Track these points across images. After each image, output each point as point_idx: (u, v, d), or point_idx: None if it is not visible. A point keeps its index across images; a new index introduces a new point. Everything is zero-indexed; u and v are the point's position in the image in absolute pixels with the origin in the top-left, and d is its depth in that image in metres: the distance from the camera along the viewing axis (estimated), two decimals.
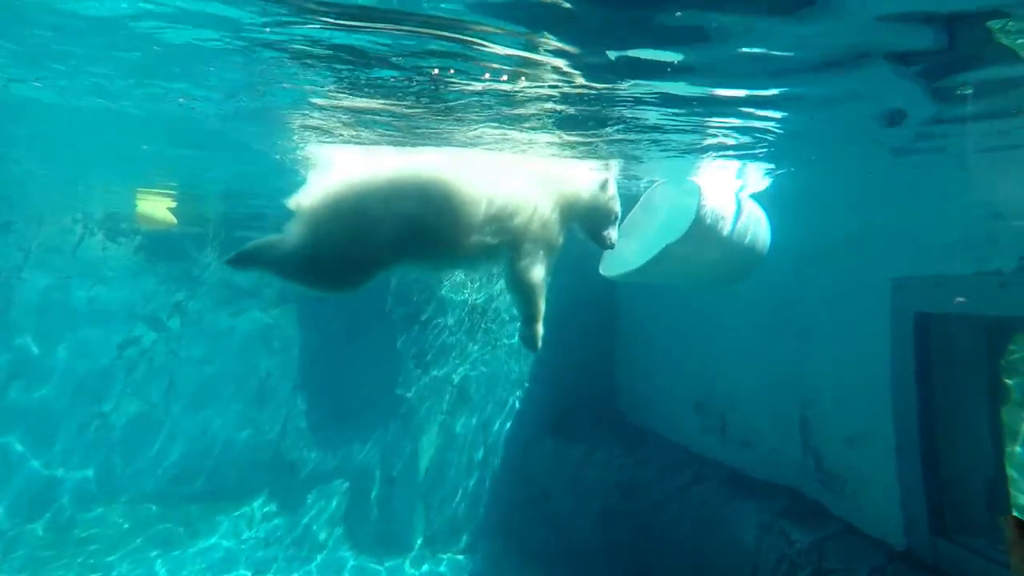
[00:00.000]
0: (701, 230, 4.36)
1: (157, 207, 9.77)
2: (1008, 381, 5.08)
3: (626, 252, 4.79)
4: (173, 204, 9.75)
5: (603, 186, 3.73)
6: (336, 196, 3.18)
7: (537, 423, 9.53)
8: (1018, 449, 5.04)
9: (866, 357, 5.48)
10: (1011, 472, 4.84)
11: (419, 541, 9.27)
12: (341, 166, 3.45)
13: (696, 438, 7.99)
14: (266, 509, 10.00)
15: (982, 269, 4.45)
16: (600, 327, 9.95)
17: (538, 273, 3.50)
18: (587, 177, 3.77)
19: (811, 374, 6.30)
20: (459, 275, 9.98)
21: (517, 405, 9.79)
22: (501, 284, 10.17)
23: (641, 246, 4.84)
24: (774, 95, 3.39)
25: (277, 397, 10.59)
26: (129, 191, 8.97)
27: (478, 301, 10.03)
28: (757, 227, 4.85)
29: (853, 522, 5.65)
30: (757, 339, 7.04)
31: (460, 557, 9.23)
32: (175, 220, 10.13)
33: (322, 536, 9.61)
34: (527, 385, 9.92)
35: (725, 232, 4.54)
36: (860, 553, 5.32)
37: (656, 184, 5.20)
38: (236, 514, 9.88)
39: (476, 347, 9.87)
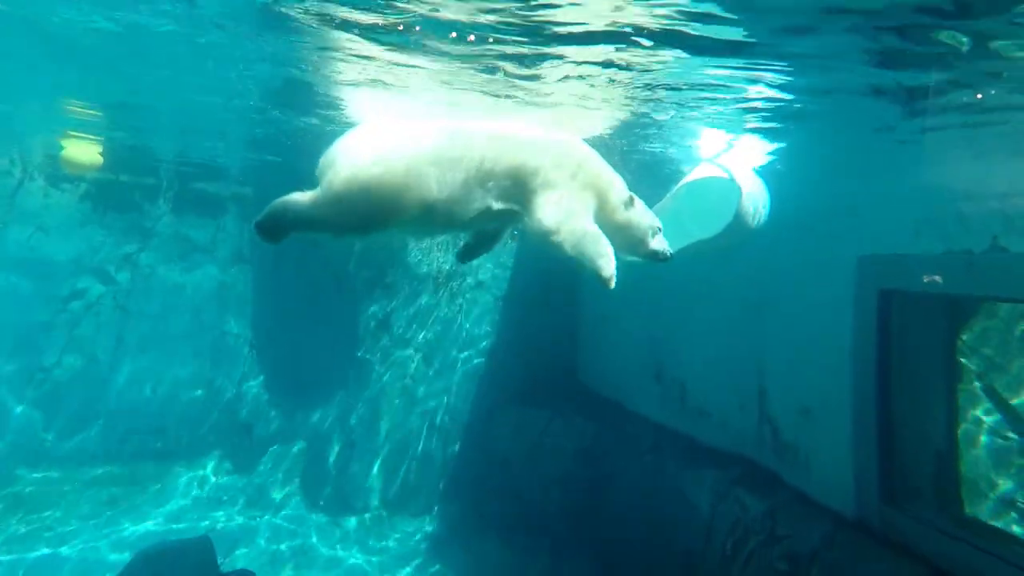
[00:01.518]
0: (734, 226, 4.65)
1: (84, 150, 9.12)
2: (962, 360, 5.24)
3: None
4: (100, 148, 9.11)
5: (630, 202, 3.53)
6: (379, 181, 3.14)
7: (500, 391, 9.53)
8: (968, 426, 5.24)
9: (827, 331, 5.57)
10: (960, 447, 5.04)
11: (375, 503, 9.24)
12: (376, 134, 3.36)
13: (656, 407, 8.10)
14: (220, 469, 9.79)
15: (951, 248, 4.51)
16: (564, 297, 9.94)
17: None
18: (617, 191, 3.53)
19: (770, 346, 6.39)
20: (425, 240, 9.76)
21: (480, 372, 9.75)
22: None
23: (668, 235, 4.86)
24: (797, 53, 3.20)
25: (232, 357, 10.27)
26: (62, 129, 8.29)
27: (444, 266, 9.85)
28: (767, 208, 4.96)
29: (805, 490, 5.81)
30: (718, 311, 7.10)
31: (418, 520, 9.24)
32: (101, 161, 9.46)
33: (277, 497, 9.48)
34: (490, 352, 9.87)
35: (751, 223, 4.77)
36: (811, 520, 5.49)
37: (691, 174, 5.02)
38: (188, 474, 9.65)
39: (441, 313, 9.73)
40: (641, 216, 3.57)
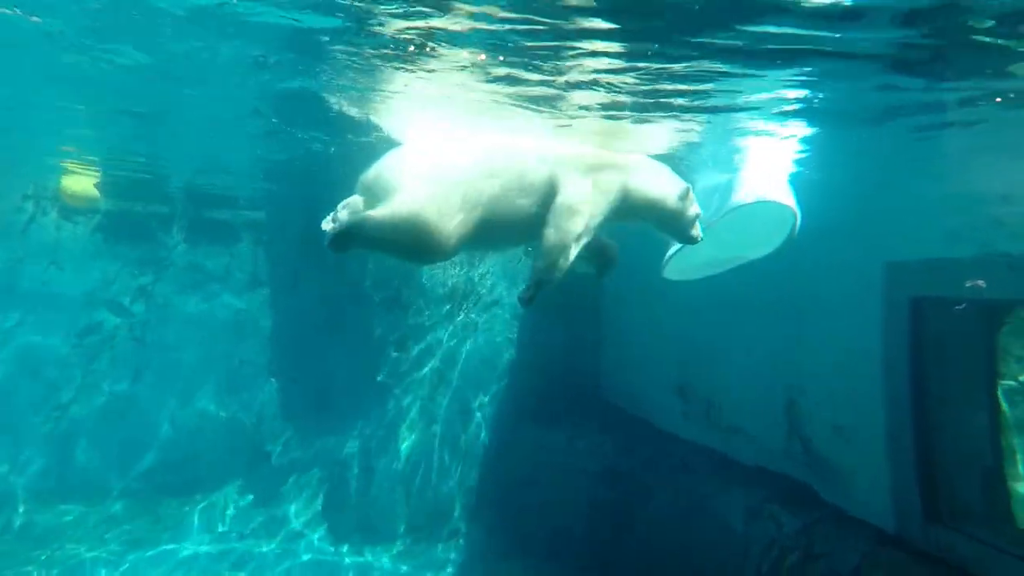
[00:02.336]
0: (783, 247, 4.73)
1: (80, 183, 9.15)
2: (1005, 368, 5.06)
3: (687, 261, 4.76)
4: (97, 179, 9.14)
5: (684, 195, 3.84)
6: (427, 218, 3.27)
7: (520, 410, 9.38)
8: (1017, 440, 5.04)
9: (857, 342, 5.41)
10: (1010, 463, 4.84)
11: (401, 529, 9.09)
12: (421, 154, 3.55)
13: (681, 424, 7.92)
14: (241, 501, 9.68)
15: (986, 252, 4.36)
16: (584, 313, 9.81)
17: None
18: (671, 184, 3.87)
19: (799, 360, 6.23)
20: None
21: (500, 391, 9.62)
22: (482, 268, 9.93)
23: (714, 253, 4.93)
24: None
25: (250, 385, 10.23)
26: (83, 165, 8.37)
27: (459, 285, 9.78)
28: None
29: (843, 507, 5.62)
30: (744, 324, 6.94)
31: (443, 545, 9.08)
32: (99, 196, 9.50)
33: (299, 527, 9.35)
34: (510, 371, 9.75)
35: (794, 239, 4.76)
36: (850, 538, 5.30)
37: (739, 192, 4.92)
38: (209, 507, 9.55)
39: (457, 332, 9.64)
40: (692, 207, 3.90)
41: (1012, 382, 5.08)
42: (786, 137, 4.68)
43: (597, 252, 3.93)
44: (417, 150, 3.60)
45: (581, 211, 3.53)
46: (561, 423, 8.92)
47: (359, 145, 5.70)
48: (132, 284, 9.85)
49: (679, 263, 4.87)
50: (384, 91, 4.11)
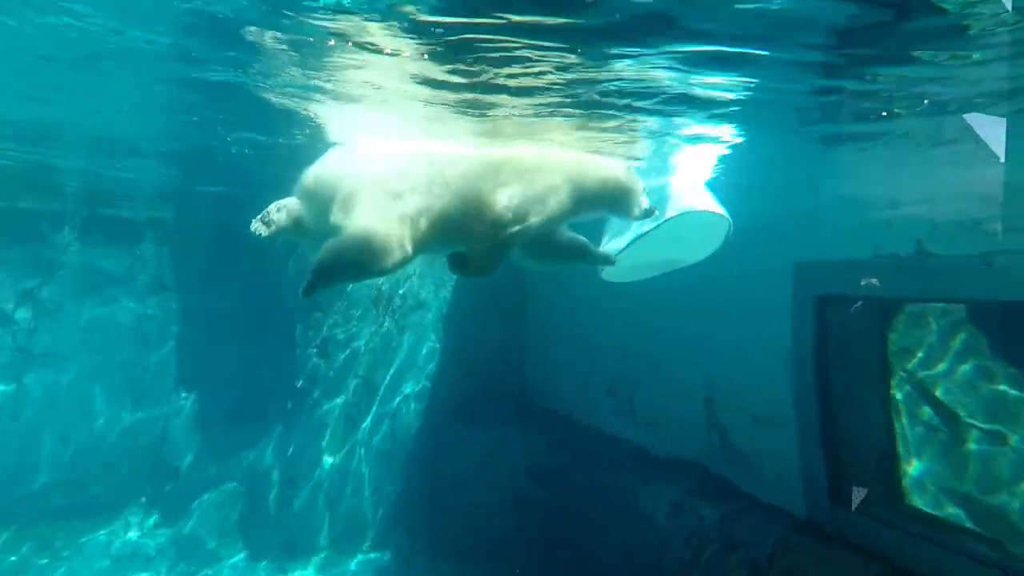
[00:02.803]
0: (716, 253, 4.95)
1: None
2: (894, 359, 5.51)
3: (627, 262, 4.88)
4: None
5: (630, 167, 4.02)
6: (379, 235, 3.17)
7: (448, 412, 9.27)
8: (904, 422, 5.50)
9: (770, 338, 5.73)
10: (901, 446, 5.27)
11: (324, 542, 8.72)
12: (367, 160, 3.46)
13: (608, 421, 8.10)
14: (145, 523, 8.96)
15: (878, 253, 4.74)
16: (509, 314, 9.84)
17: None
18: (613, 162, 4.04)
19: (718, 356, 6.52)
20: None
21: (426, 394, 9.46)
22: (407, 269, 9.76)
23: (647, 259, 5.08)
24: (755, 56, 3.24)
25: (155, 396, 9.51)
26: None
27: (384, 287, 9.55)
28: None
29: (758, 495, 5.92)
30: (667, 323, 7.19)
31: (370, 556, 8.79)
32: None
33: (213, 547, 8.77)
34: (436, 374, 9.62)
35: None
36: (764, 525, 5.58)
37: (674, 201, 5.07)
38: (108, 530, 8.77)
39: (382, 335, 9.40)
40: (638, 179, 4.08)
41: (901, 372, 5.55)
42: (713, 141, 4.90)
43: (569, 249, 4.00)
44: (362, 155, 3.51)
45: (530, 211, 3.52)
46: (489, 424, 8.89)
47: (285, 143, 5.44)
48: (16, 288, 8.92)
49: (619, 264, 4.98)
50: (310, 85, 3.93)
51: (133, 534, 8.80)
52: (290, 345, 9.13)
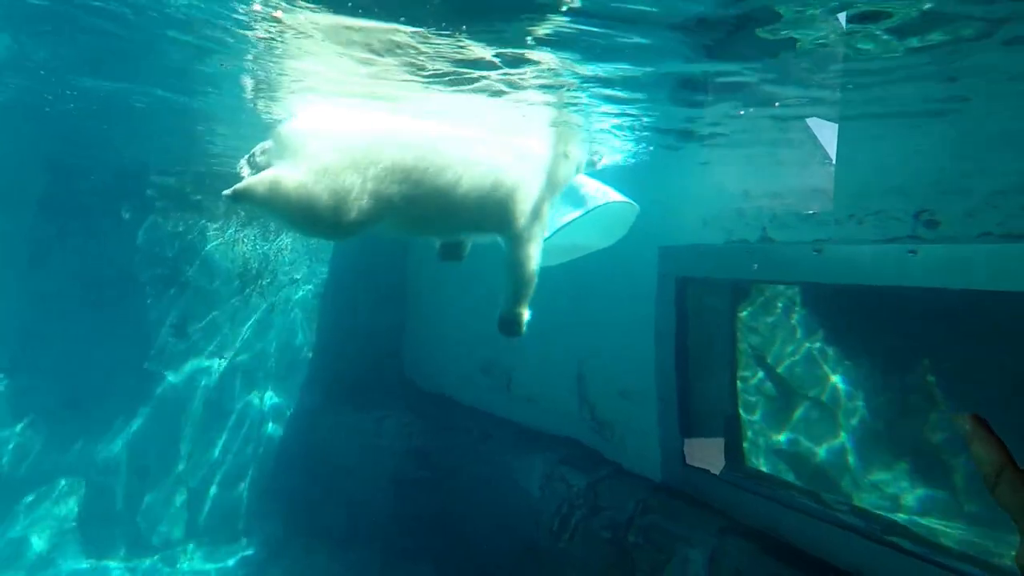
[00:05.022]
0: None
1: None
2: (740, 335, 6.12)
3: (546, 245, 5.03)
4: None
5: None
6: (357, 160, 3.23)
7: (323, 394, 8.94)
8: (746, 391, 6.15)
9: (636, 317, 6.13)
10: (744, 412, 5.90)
11: (182, 535, 8.09)
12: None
13: (485, 398, 8.24)
14: None
15: (731, 239, 5.22)
16: (389, 293, 9.64)
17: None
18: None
19: (589, 334, 6.86)
20: (229, 231, 8.74)
21: (300, 376, 9.05)
22: (280, 241, 9.20)
23: (563, 243, 5.19)
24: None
25: None
26: None
27: (252, 261, 8.94)
28: None
29: (622, 463, 6.35)
30: (541, 302, 7.41)
31: (237, 547, 8.30)
32: None
33: (44, 548, 7.80)
34: (310, 354, 9.22)
35: None
36: (627, 490, 6.02)
37: (601, 196, 5.11)
38: None
39: (250, 313, 8.82)
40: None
41: (745, 346, 6.20)
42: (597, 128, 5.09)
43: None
44: (337, 121, 3.58)
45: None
46: (366, 406, 8.70)
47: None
48: None
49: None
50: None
51: None
52: (141, 325, 8.28)
